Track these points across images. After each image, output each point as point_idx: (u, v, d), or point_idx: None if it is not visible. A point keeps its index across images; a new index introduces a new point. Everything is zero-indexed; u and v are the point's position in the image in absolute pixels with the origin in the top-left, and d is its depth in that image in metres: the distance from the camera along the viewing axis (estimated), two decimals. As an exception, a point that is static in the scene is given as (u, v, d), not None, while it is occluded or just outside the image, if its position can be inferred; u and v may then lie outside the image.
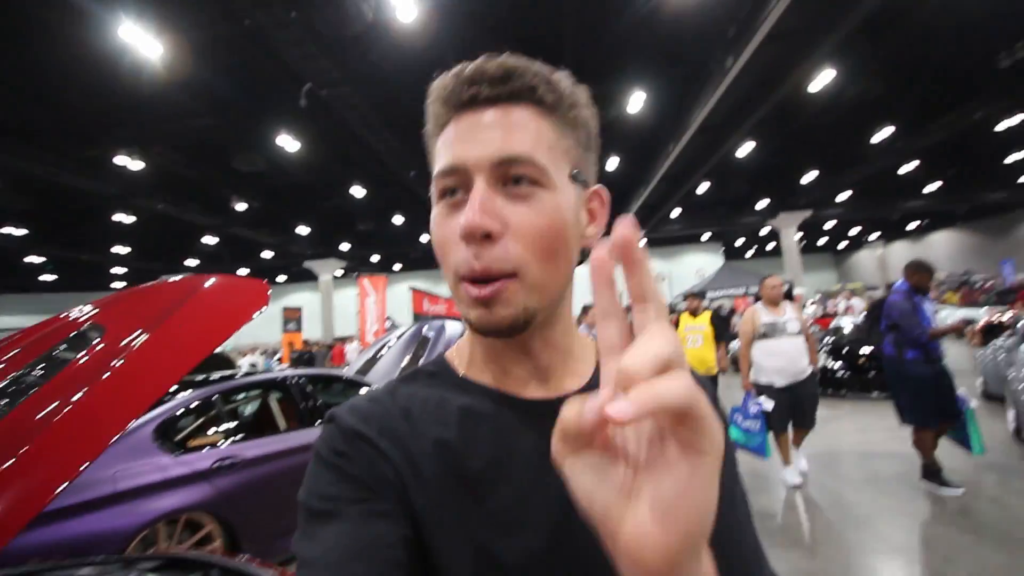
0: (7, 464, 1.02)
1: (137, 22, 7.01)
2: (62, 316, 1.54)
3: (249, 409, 4.39)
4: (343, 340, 17.40)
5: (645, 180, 16.31)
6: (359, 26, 7.40)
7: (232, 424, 3.87)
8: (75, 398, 1.16)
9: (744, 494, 0.55)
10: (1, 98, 9.15)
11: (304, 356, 14.55)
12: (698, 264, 29.35)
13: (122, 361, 1.28)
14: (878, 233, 32.97)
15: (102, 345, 1.35)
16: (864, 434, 5.53)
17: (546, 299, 0.46)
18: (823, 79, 10.09)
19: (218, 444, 3.29)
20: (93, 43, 7.61)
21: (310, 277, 23.28)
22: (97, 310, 1.55)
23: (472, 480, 0.44)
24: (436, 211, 0.46)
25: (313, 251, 21.75)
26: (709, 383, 0.54)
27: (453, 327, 5.91)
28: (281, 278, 30.37)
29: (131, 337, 1.33)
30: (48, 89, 9.01)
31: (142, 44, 7.29)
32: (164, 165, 12.37)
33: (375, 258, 26.73)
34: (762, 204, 21.30)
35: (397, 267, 30.34)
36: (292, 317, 18.61)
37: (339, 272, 23.37)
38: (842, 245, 37.51)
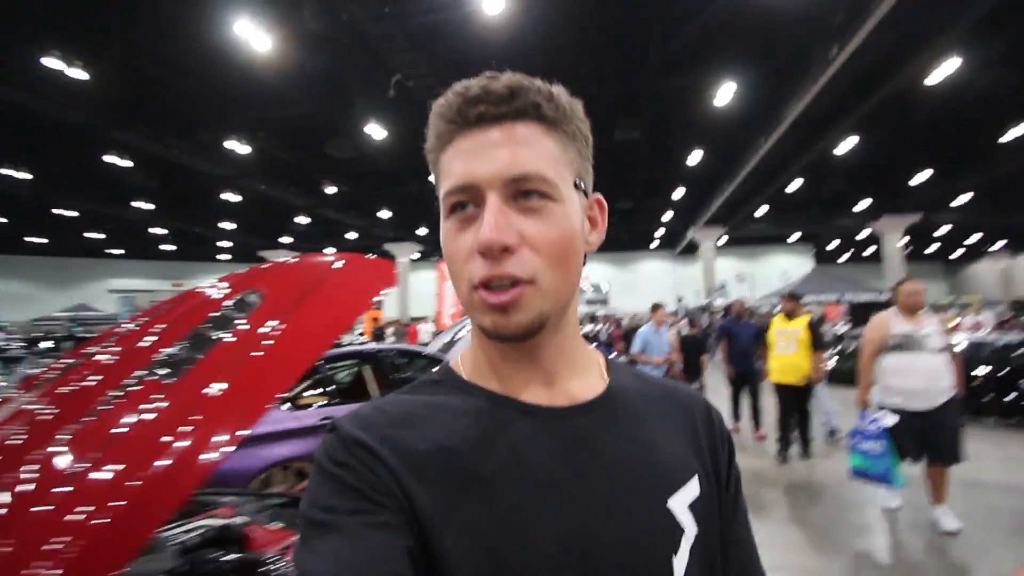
0: (188, 426, 1.13)
1: (249, 19, 7.68)
2: (219, 283, 1.71)
3: (346, 377, 4.86)
4: (416, 320, 18.14)
5: (730, 175, 15.51)
6: (447, 17, 7.63)
7: (332, 388, 4.31)
8: (240, 369, 1.27)
9: (745, 508, 0.57)
10: (133, 87, 10.38)
11: (379, 332, 15.43)
12: (784, 266, 27.52)
13: (282, 328, 1.35)
14: (1003, 242, 29.16)
15: (263, 312, 1.43)
16: (1014, 466, 4.80)
17: (558, 304, 0.47)
18: (945, 69, 9.03)
19: (321, 405, 3.72)
20: (211, 38, 8.42)
21: (389, 259, 24.44)
22: (252, 278, 1.65)
23: (480, 483, 0.44)
24: (447, 226, 0.47)
25: (393, 234, 22.81)
26: (702, 400, 0.58)
27: None
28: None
29: (287, 307, 1.41)
30: (172, 79, 10.09)
31: (253, 39, 7.97)
32: (266, 149, 13.48)
33: (449, 244, 27.50)
34: (862, 205, 19.54)
35: (470, 253, 31.03)
36: (370, 296, 19.68)
37: (415, 255, 24.34)
38: (956, 254, 33.55)
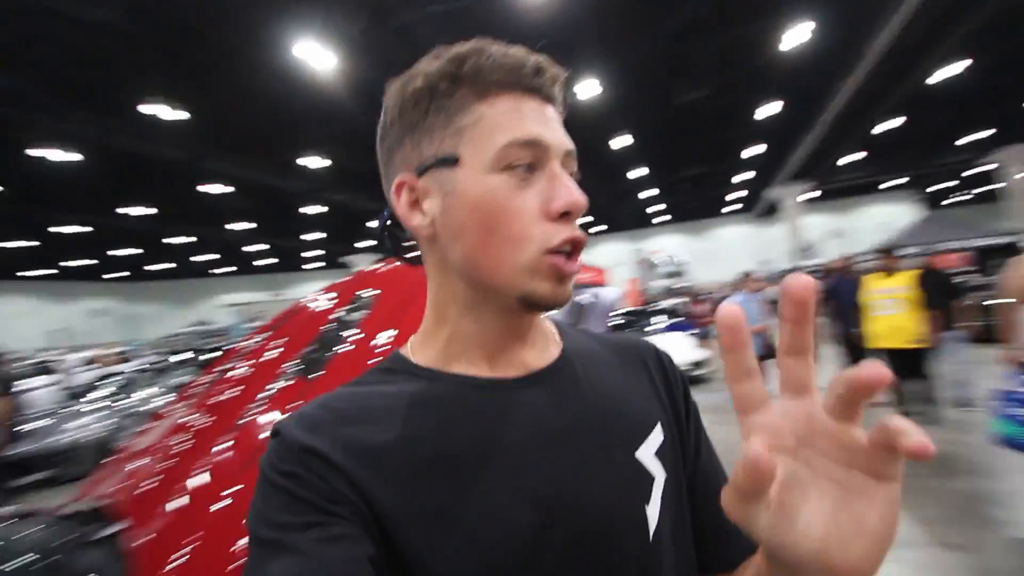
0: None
1: (309, 40, 8.19)
2: (326, 292, 1.92)
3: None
4: None
5: (810, 124, 14.29)
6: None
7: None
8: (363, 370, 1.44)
9: (709, 440, 0.58)
10: (221, 120, 11.44)
11: None
12: (882, 217, 24.98)
13: (396, 333, 1.43)
14: None
15: (375, 318, 1.52)
16: None
17: None
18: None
19: None
20: (275, 63, 9.05)
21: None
22: (359, 286, 1.77)
23: (447, 470, 0.42)
24: (496, 181, 0.44)
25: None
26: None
27: (607, 293, 6.01)
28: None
29: (394, 311, 1.51)
30: (250, 107, 10.99)
31: (314, 59, 8.50)
32: (339, 161, 14.33)
33: (518, 231, 27.77)
34: (975, 139, 17.22)
35: (538, 238, 31.14)
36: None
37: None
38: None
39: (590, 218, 26.68)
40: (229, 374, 2.01)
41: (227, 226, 19.91)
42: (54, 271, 26.42)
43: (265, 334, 2.06)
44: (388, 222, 0.55)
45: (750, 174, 21.36)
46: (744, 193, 24.96)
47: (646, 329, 9.66)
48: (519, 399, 0.47)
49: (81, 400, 7.37)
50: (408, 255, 0.56)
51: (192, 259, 26.38)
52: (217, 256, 26.69)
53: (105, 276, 28.93)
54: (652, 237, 30.96)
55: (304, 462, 0.40)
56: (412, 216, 0.48)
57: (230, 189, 14.95)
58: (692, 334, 9.54)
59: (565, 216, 0.44)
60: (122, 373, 8.56)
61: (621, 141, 15.06)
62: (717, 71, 11.36)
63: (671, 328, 10.04)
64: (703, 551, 0.52)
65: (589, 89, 11.00)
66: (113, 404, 6.75)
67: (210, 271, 31.18)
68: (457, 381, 0.47)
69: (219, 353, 7.05)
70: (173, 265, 28.14)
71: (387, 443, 0.42)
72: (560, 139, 0.46)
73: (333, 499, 0.38)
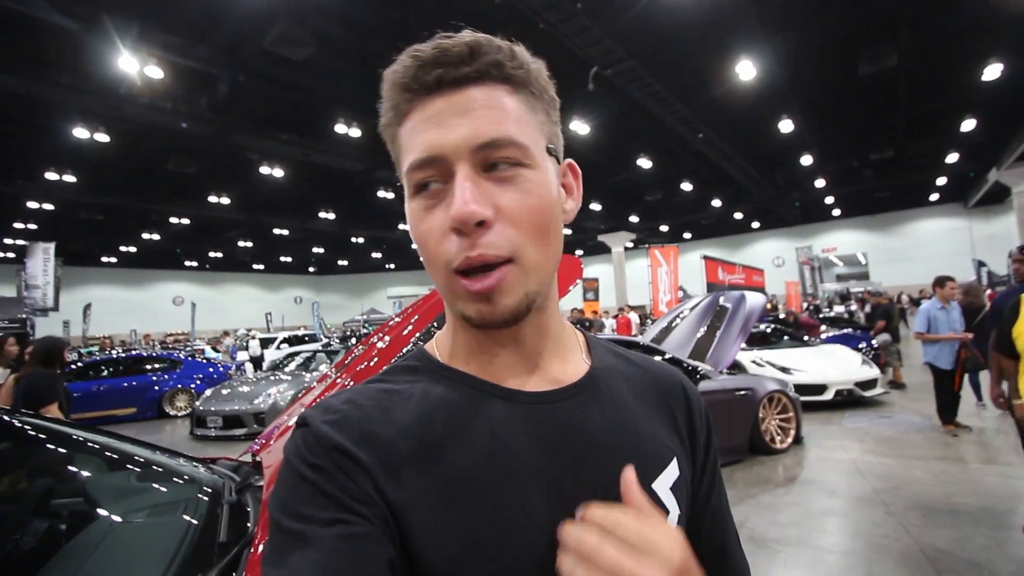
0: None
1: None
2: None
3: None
4: (621, 310, 17.96)
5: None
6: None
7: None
8: None
9: (722, 483, 0.56)
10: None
11: (585, 323, 15.46)
12: None
13: None
14: None
15: None
16: None
17: (543, 281, 0.44)
18: None
19: None
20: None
21: (604, 250, 24.90)
22: None
23: (467, 480, 0.41)
24: (413, 206, 0.43)
25: (605, 225, 23.15)
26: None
27: (754, 298, 5.54)
28: (579, 252, 33.45)
29: None
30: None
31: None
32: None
33: (664, 228, 26.56)
34: None
35: (687, 236, 29.38)
36: (590, 287, 20.46)
37: (629, 244, 24.22)
38: None
39: (739, 215, 24.38)
40: (372, 344, 2.38)
41: (399, 226, 22.53)
42: (261, 266, 32.77)
43: (407, 314, 2.37)
44: None
45: (955, 156, 17.47)
46: (947, 179, 20.49)
47: (808, 340, 8.52)
48: (542, 414, 0.45)
49: (278, 371, 9.07)
50: None
51: (369, 256, 30.56)
52: (385, 254, 30.51)
53: (300, 271, 34.98)
54: (822, 234, 27.10)
55: (332, 458, 0.40)
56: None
57: (394, 195, 16.85)
58: (863, 348, 8.17)
59: (461, 232, 0.40)
60: (308, 351, 10.27)
61: (784, 126, 13.45)
62: (914, 28, 9.51)
63: (835, 339, 8.72)
64: None
65: (744, 71, 10.07)
66: (300, 375, 8.19)
67: (384, 267, 35.63)
68: (477, 387, 0.46)
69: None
70: (351, 262, 32.91)
71: (408, 448, 0.42)
72: (464, 136, 0.40)
73: (358, 498, 0.39)
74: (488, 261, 0.40)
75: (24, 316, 10.58)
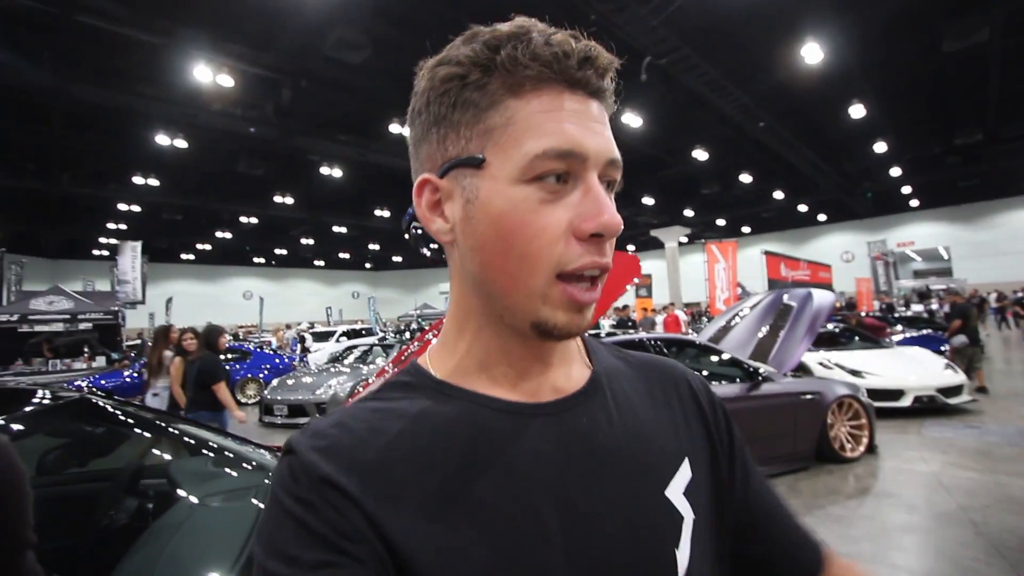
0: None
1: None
2: None
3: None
4: (666, 308, 17.29)
5: None
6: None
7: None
8: None
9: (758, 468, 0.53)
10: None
11: (627, 321, 14.90)
12: None
13: None
14: None
15: None
16: None
17: None
18: None
19: None
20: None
21: (656, 245, 24.25)
22: None
23: (472, 506, 0.39)
24: (523, 192, 0.39)
25: (658, 220, 22.54)
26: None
27: (822, 297, 5.21)
28: (630, 247, 32.77)
29: None
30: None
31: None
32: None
33: (721, 222, 25.54)
34: None
35: (746, 230, 28.12)
36: (643, 284, 20.00)
37: (684, 239, 23.48)
38: None
39: (803, 208, 23.00)
40: (427, 341, 2.44)
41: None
42: (321, 263, 34.28)
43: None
44: (414, 221, 0.50)
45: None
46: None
47: (885, 343, 7.95)
48: (547, 427, 0.43)
49: (338, 363, 9.47)
50: (438, 255, 0.52)
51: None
52: (436, 251, 31.11)
53: (357, 267, 36.30)
54: (897, 227, 25.13)
55: (319, 491, 0.37)
56: (432, 220, 0.44)
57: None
58: (944, 350, 7.51)
59: (594, 238, 0.39)
60: (366, 345, 10.65)
61: (855, 111, 12.56)
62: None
63: (912, 341, 8.05)
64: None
65: (811, 54, 9.47)
66: (358, 367, 8.52)
67: (436, 263, 36.44)
68: (478, 402, 0.43)
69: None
70: (406, 259, 33.78)
71: (405, 476, 0.39)
72: (603, 146, 0.40)
73: (348, 536, 0.36)
74: (605, 271, 0.41)
75: (116, 308, 11.60)
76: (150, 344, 5.01)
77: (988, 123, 14.30)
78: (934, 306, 15.68)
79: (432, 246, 0.52)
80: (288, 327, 21.08)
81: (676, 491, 0.44)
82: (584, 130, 0.39)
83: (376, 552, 0.36)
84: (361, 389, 2.84)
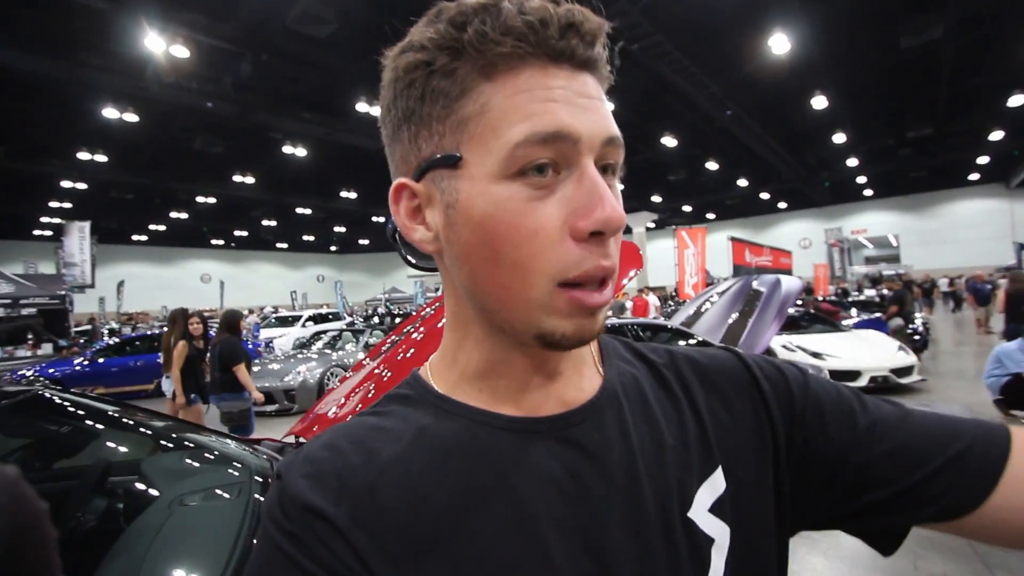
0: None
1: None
2: None
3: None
4: (641, 291, 17.72)
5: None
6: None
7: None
8: None
9: (858, 400, 0.44)
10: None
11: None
12: None
13: None
14: None
15: None
16: None
17: None
18: None
19: None
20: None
21: (625, 230, 24.59)
22: None
23: (467, 540, 0.35)
24: (508, 191, 0.34)
25: (626, 205, 22.72)
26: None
27: (790, 282, 5.39)
28: (598, 233, 33.20)
29: None
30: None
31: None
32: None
33: (687, 208, 26.08)
34: None
35: (711, 216, 28.82)
36: (609, 269, 20.20)
37: (651, 224, 23.88)
38: None
39: (765, 195, 23.75)
40: (408, 335, 2.38)
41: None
42: (284, 245, 33.23)
43: (441, 307, 2.37)
44: (397, 230, 0.44)
45: (999, 133, 16.65)
46: (986, 159, 19.57)
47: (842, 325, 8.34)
48: (557, 446, 0.39)
49: (305, 350, 9.24)
50: (426, 264, 0.45)
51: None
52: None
53: (321, 250, 35.35)
54: (852, 215, 26.29)
55: (306, 522, 0.34)
56: (413, 228, 0.39)
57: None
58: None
59: (595, 237, 0.34)
60: (334, 330, 10.42)
61: (817, 103, 12.95)
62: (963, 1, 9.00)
63: (865, 324, 8.48)
64: (919, 504, 0.40)
65: (778, 45, 9.67)
66: (327, 353, 8.33)
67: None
68: (479, 419, 0.40)
69: (404, 318, 8.27)
70: (372, 241, 33.11)
71: (396, 505, 0.36)
72: (597, 124, 0.34)
73: (338, 573, 0.33)
74: (612, 274, 0.35)
75: (63, 292, 10.95)
76: (166, 328, 4.88)
77: (938, 118, 15.02)
78: (885, 291, 16.55)
79: (421, 259, 0.46)
80: (251, 312, 20.44)
81: (701, 509, 0.39)
82: (572, 108, 0.33)
83: None
84: (339, 383, 2.76)
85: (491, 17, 0.33)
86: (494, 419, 0.39)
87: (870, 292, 15.50)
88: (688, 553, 0.38)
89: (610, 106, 0.37)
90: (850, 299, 13.31)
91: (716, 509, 0.40)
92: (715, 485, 0.40)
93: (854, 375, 6.29)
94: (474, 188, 0.34)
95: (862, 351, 6.58)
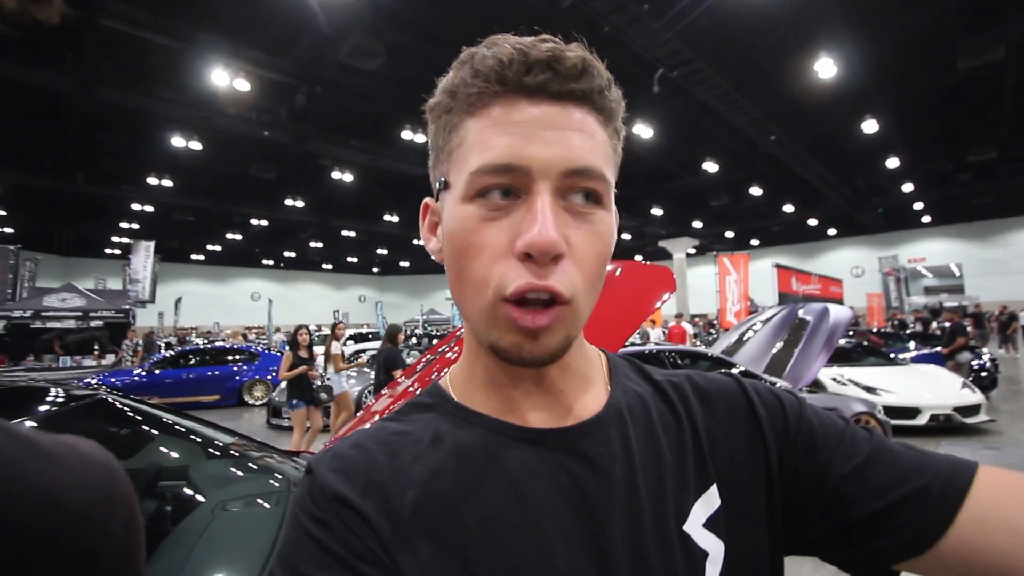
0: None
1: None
2: None
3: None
4: (679, 316, 17.29)
5: None
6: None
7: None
8: None
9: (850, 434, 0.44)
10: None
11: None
12: None
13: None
14: None
15: None
16: None
17: (582, 325, 0.41)
18: None
19: None
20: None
21: (664, 256, 24.20)
22: None
23: (481, 538, 0.38)
24: (466, 211, 0.38)
25: (666, 230, 22.51)
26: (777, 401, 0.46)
27: (839, 312, 5.17)
28: (637, 257, 32.73)
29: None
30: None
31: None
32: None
33: (729, 234, 25.46)
34: None
35: (755, 242, 28.01)
36: (648, 294, 19.86)
37: (692, 250, 23.42)
38: None
39: (813, 221, 22.89)
40: (443, 355, 2.43)
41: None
42: (329, 266, 34.44)
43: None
44: None
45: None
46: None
47: (894, 357, 7.87)
48: (560, 457, 0.41)
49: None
50: None
51: (429, 258, 31.43)
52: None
53: (364, 271, 36.44)
54: (909, 243, 24.93)
55: (334, 510, 0.37)
56: (429, 240, 0.46)
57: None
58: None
59: (529, 259, 0.36)
60: (374, 350, 10.65)
61: (867, 127, 12.53)
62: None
63: (922, 359, 7.95)
64: (889, 536, 0.40)
65: (824, 69, 9.48)
66: (366, 371, 8.52)
67: (443, 269, 36.64)
68: (493, 428, 0.43)
69: (440, 339, 8.40)
70: (413, 264, 33.90)
71: (416, 501, 0.39)
72: (556, 155, 0.37)
73: (364, 558, 0.36)
74: (553, 295, 0.37)
75: (127, 307, 11.69)
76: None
77: (1001, 141, 14.22)
78: (946, 324, 15.49)
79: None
80: (278, 330, 21.10)
81: (696, 524, 0.41)
82: (530, 140, 0.37)
83: (391, 573, 0.36)
84: (374, 400, 2.82)
85: (471, 62, 0.39)
86: (506, 428, 0.42)
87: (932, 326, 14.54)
88: (684, 565, 0.39)
89: (602, 138, 0.40)
90: (908, 331, 12.56)
91: (711, 524, 0.42)
92: (710, 501, 0.42)
93: (912, 412, 5.88)
94: (450, 208, 0.40)
95: (921, 387, 6.13)
